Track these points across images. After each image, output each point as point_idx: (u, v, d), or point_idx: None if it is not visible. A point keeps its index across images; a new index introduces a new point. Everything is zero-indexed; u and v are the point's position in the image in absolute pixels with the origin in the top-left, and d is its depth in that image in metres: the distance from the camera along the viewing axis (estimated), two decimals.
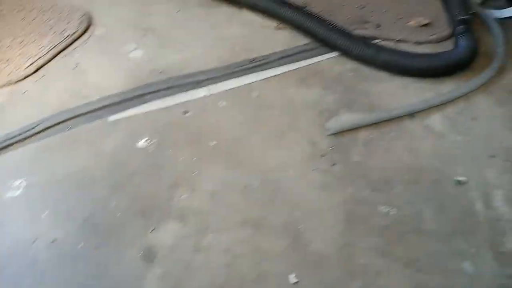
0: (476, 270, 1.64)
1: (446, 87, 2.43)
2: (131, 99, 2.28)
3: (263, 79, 2.44)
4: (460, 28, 2.51)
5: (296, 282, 1.57)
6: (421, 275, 1.60)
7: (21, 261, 1.70)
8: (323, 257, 1.62)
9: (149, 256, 1.64)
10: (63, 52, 2.56)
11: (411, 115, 2.27)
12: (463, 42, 2.48)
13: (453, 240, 1.72)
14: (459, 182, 1.95)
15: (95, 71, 2.47)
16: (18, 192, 1.90)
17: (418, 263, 1.64)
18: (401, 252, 1.67)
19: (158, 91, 2.29)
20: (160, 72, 2.45)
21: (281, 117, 2.22)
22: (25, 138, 2.09)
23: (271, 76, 2.45)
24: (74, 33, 2.61)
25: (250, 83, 2.40)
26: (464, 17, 2.53)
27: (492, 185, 1.94)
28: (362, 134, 2.16)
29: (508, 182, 1.95)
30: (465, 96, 2.36)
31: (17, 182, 1.94)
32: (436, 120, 2.26)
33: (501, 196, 1.90)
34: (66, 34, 2.60)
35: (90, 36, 2.68)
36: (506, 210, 1.84)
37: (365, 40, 2.53)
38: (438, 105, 2.33)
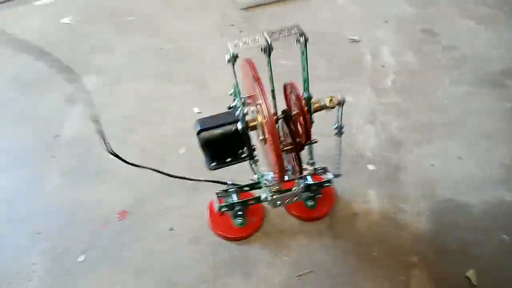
0: (356, 101, 1.93)
1: None
2: None
3: None
4: None
5: (199, 112, 1.83)
6: None
7: None
8: (220, 97, 1.86)
9: (71, 98, 1.88)
10: None
11: None
12: None
13: (339, 82, 1.99)
14: (353, 41, 2.21)
15: None
16: None
17: None
18: None
19: None
20: None
21: None
22: None
23: None
24: None
25: None
26: None
27: (381, 42, 2.22)
28: (271, 9, 2.39)
29: (395, 41, 2.23)
30: None
31: None
32: None
33: (387, 50, 2.17)
34: None
35: None
36: (389, 60, 2.12)
37: None
38: None
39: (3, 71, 1.97)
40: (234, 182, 1.34)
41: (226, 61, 0.93)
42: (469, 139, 1.71)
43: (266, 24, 2.23)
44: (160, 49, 2.07)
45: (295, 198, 1.29)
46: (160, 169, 1.56)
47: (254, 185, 1.35)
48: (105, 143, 1.16)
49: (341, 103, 1.08)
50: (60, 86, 1.89)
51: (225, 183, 1.36)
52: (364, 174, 1.59)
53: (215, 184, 1.38)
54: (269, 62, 0.99)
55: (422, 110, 1.83)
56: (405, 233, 1.40)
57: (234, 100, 1.07)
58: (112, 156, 1.57)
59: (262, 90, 0.96)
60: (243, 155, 1.10)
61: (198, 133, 1.04)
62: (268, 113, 0.96)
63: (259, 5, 2.34)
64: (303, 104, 1.02)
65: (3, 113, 1.79)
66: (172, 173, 1.39)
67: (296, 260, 1.32)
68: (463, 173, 1.60)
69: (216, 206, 1.28)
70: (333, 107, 1.08)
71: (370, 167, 1.63)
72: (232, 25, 2.21)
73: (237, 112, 1.03)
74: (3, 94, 1.86)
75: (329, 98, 1.07)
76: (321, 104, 1.07)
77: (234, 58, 0.92)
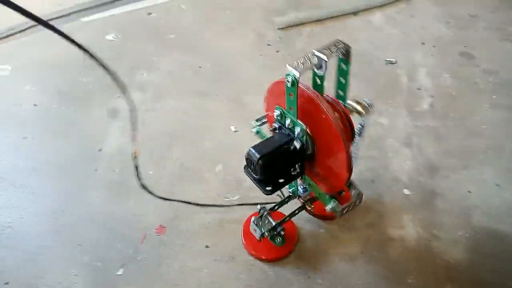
0: (391, 123, 1.93)
1: None
2: (102, 4, 2.55)
3: None
4: None
5: (236, 131, 1.87)
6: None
7: (10, 119, 2.00)
8: (256, 115, 1.90)
9: (113, 113, 1.95)
10: None
11: (355, 13, 2.52)
12: None
13: (374, 103, 1.99)
14: (389, 62, 2.22)
15: None
16: (6, 73, 2.21)
17: None
18: None
19: None
20: None
21: (233, 15, 2.50)
22: (8, 36, 2.38)
23: None
24: None
25: None
26: None
27: (417, 64, 2.22)
28: (307, 28, 2.43)
29: (432, 62, 2.23)
30: None
31: (4, 66, 2.25)
32: (377, 17, 2.52)
33: (423, 72, 2.17)
34: None
35: None
36: (425, 82, 2.11)
37: None
38: (380, 6, 2.58)
39: (48, 84, 2.07)
40: (263, 204, 1.37)
41: (289, 84, 0.96)
42: (508, 166, 1.69)
43: (303, 44, 2.26)
44: (199, 67, 2.12)
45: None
46: (197, 186, 1.61)
47: (285, 202, 1.38)
48: (138, 177, 1.25)
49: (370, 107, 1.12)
50: (102, 101, 1.96)
51: (255, 204, 1.39)
52: (400, 199, 1.58)
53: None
54: (324, 77, 1.07)
55: (459, 134, 1.82)
56: (440, 261, 1.39)
57: (277, 121, 1.12)
58: (151, 172, 1.64)
59: (325, 104, 1.02)
60: (294, 173, 1.12)
61: (258, 160, 1.03)
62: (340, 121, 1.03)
63: (296, 25, 2.37)
64: (342, 106, 1.10)
65: (47, 125, 1.88)
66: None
67: (329, 284, 1.33)
68: (501, 201, 1.57)
69: (257, 235, 1.32)
70: (362, 112, 1.10)
71: (406, 191, 1.63)
72: (269, 44, 2.24)
73: (296, 130, 1.06)
74: (47, 107, 1.96)
75: (355, 101, 1.11)
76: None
77: (296, 80, 0.95)
